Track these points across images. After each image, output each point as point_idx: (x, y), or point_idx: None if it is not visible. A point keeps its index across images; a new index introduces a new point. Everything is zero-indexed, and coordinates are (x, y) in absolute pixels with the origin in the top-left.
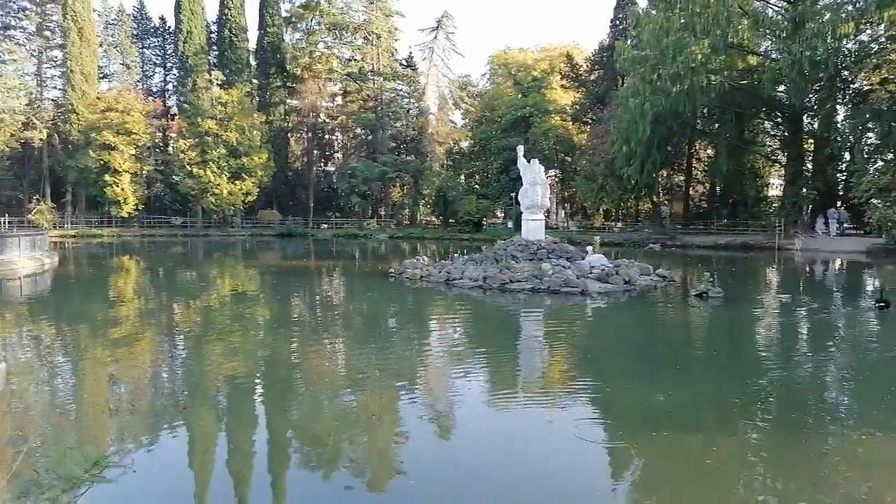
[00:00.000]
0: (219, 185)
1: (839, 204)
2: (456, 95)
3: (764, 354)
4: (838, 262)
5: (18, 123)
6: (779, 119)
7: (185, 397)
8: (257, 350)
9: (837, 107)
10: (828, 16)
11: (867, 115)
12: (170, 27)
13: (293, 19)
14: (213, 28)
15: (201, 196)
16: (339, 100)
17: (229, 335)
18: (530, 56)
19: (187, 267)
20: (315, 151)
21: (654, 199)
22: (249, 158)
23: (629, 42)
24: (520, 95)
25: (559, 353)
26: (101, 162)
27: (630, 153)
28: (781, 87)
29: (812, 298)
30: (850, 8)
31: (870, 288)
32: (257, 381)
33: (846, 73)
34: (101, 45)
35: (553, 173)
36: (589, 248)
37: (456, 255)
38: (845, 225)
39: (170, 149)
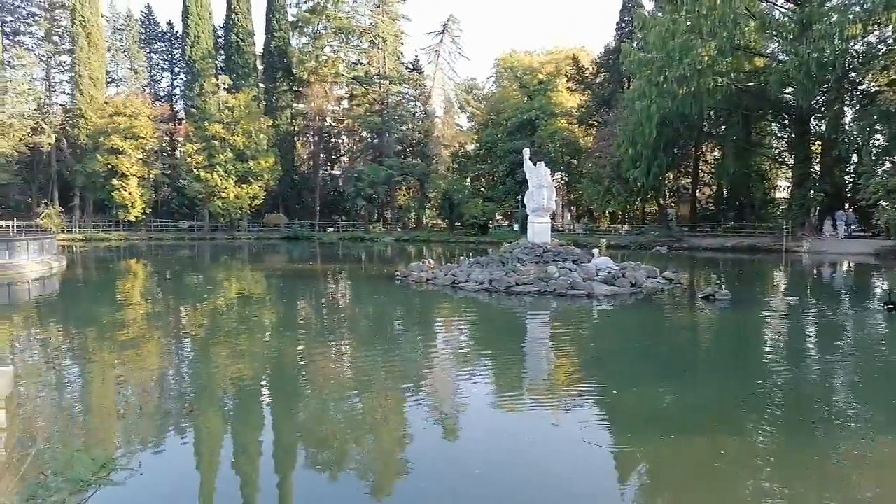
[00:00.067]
0: (225, 188)
1: (847, 206)
2: (462, 99)
3: (771, 357)
4: (846, 264)
5: (27, 128)
6: (786, 121)
7: (192, 399)
8: (264, 352)
9: (845, 108)
10: (835, 17)
11: (875, 117)
12: (177, 32)
13: (300, 24)
14: (220, 33)
15: (208, 200)
16: (345, 103)
17: (236, 338)
18: (536, 59)
19: (194, 270)
20: (321, 155)
21: (661, 201)
22: (256, 162)
23: (635, 44)
24: (526, 98)
25: (565, 356)
26: (109, 166)
27: (636, 156)
28: (789, 89)
29: (820, 301)
30: (857, 9)
31: (878, 290)
32: (264, 383)
33: (854, 74)
34: (109, 50)
35: (559, 176)
36: (595, 251)
37: (462, 257)
38: (853, 227)
39: (177, 153)
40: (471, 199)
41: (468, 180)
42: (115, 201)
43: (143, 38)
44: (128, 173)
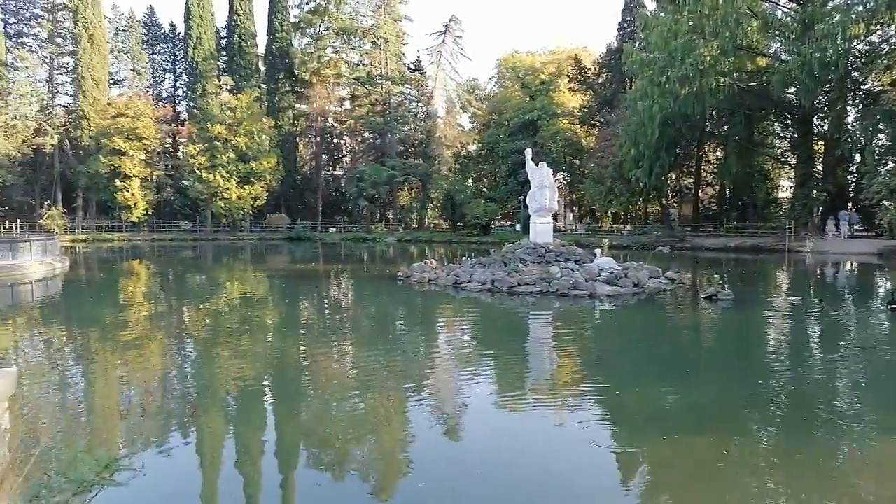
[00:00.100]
0: (228, 189)
1: (850, 206)
2: (464, 99)
3: (774, 357)
4: (849, 264)
5: (30, 129)
6: (788, 121)
7: (194, 400)
8: (266, 353)
9: (848, 108)
10: (838, 17)
11: (878, 117)
12: (179, 33)
13: (302, 25)
14: (223, 34)
15: (211, 200)
16: (347, 104)
17: (238, 338)
18: (538, 59)
19: (197, 271)
20: (323, 155)
21: (663, 201)
22: (258, 163)
23: (637, 45)
24: (528, 99)
25: (567, 356)
26: (112, 167)
27: (638, 156)
28: (791, 89)
29: (823, 301)
30: (860, 9)
31: (881, 290)
32: (266, 383)
33: (856, 74)
34: (111, 52)
35: (561, 176)
36: (597, 251)
37: (464, 258)
38: (856, 227)
39: (179, 154)
40: (473, 199)
41: (470, 181)
42: (118, 202)
43: (145, 39)
44: (130, 174)
